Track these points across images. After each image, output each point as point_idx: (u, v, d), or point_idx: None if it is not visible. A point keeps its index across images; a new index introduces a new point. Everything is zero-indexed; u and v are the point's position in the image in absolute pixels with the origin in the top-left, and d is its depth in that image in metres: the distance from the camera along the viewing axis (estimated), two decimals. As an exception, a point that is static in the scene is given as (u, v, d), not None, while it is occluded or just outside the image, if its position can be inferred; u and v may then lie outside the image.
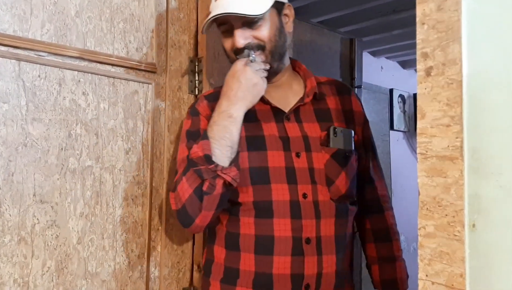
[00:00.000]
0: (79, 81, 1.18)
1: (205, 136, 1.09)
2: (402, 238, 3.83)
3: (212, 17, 1.13)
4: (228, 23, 1.15)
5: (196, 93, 1.45)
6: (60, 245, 1.13)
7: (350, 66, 1.99)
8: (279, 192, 1.12)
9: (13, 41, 1.07)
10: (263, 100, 1.17)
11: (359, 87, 2.01)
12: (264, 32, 1.14)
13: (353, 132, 1.23)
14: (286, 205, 1.12)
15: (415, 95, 3.96)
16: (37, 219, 1.09)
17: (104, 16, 1.23)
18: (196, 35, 1.47)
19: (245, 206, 1.14)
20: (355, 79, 1.98)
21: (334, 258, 1.14)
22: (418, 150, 0.75)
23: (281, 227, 1.11)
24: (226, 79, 1.14)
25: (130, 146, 1.28)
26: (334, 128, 1.18)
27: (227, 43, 1.19)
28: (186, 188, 1.08)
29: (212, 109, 1.16)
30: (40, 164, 1.10)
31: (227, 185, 1.07)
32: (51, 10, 1.14)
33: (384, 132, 3.53)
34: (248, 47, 1.13)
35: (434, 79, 0.73)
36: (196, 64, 1.46)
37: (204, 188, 1.06)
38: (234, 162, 1.08)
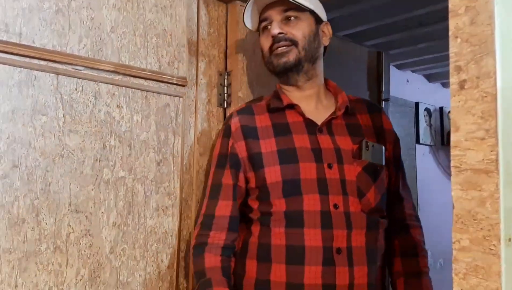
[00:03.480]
0: (114, 94, 1.21)
1: None
2: (428, 254, 3.75)
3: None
4: (268, 19, 1.25)
5: (225, 106, 1.48)
6: (93, 254, 1.15)
7: (377, 79, 1.99)
8: (310, 203, 1.13)
9: (52, 55, 1.11)
10: (297, 110, 1.22)
11: (386, 100, 2.00)
12: (299, 29, 1.23)
13: (384, 148, 1.25)
14: (317, 215, 1.13)
15: (441, 109, 3.91)
16: (72, 228, 1.12)
17: (138, 32, 1.27)
18: (226, 50, 1.50)
19: (276, 215, 1.16)
20: (383, 92, 1.98)
21: (365, 269, 1.14)
22: (452, 163, 0.75)
23: (312, 237, 1.12)
24: None
25: (162, 158, 1.30)
26: (366, 142, 1.20)
27: (264, 40, 1.27)
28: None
29: (244, 123, 1.22)
30: (75, 174, 1.13)
31: None
32: (88, 25, 1.18)
33: (410, 146, 3.49)
34: (281, 38, 1.21)
35: (468, 92, 0.73)
36: (226, 77, 1.48)
37: None
38: None
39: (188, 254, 1.35)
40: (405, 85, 3.64)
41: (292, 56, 1.21)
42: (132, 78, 1.25)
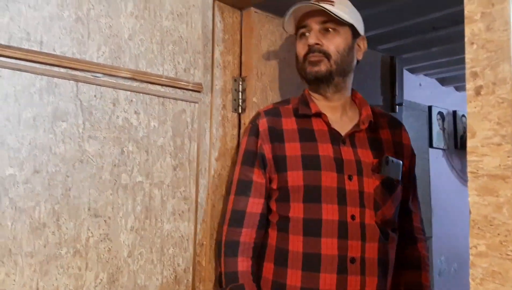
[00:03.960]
0: (132, 100, 1.23)
1: None
2: (442, 258, 3.72)
3: (298, 5, 1.24)
4: (307, 27, 1.26)
5: (240, 111, 1.49)
6: (112, 258, 1.17)
7: (391, 84, 1.99)
8: (329, 212, 1.16)
9: (72, 63, 1.13)
10: (323, 119, 1.25)
11: (400, 104, 2.00)
12: (334, 43, 1.24)
13: (401, 163, 1.27)
14: (335, 225, 1.15)
15: (454, 112, 3.88)
16: (91, 232, 1.14)
17: (155, 39, 1.29)
18: (240, 56, 1.52)
19: (294, 221, 1.18)
20: (396, 96, 1.98)
21: (376, 280, 1.17)
22: (468, 169, 0.75)
23: (328, 246, 1.15)
24: None
25: (178, 163, 1.32)
26: (387, 157, 1.22)
27: (300, 46, 1.29)
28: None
29: (271, 125, 1.25)
30: (95, 179, 1.15)
31: None
32: (107, 33, 1.20)
33: (424, 149, 3.47)
34: (315, 49, 1.23)
35: (484, 98, 0.73)
36: (240, 83, 1.50)
37: None
38: None
39: (203, 257, 1.36)
40: (418, 89, 3.63)
41: (323, 67, 1.24)
42: (149, 84, 1.28)
